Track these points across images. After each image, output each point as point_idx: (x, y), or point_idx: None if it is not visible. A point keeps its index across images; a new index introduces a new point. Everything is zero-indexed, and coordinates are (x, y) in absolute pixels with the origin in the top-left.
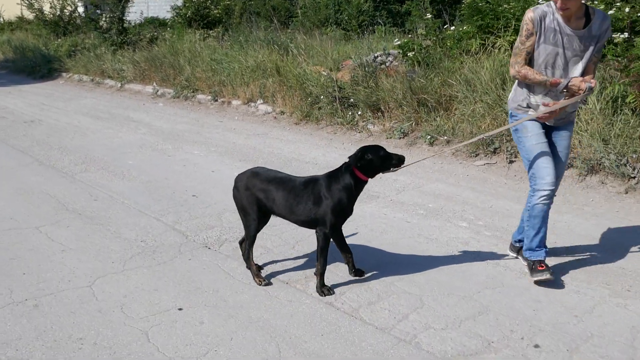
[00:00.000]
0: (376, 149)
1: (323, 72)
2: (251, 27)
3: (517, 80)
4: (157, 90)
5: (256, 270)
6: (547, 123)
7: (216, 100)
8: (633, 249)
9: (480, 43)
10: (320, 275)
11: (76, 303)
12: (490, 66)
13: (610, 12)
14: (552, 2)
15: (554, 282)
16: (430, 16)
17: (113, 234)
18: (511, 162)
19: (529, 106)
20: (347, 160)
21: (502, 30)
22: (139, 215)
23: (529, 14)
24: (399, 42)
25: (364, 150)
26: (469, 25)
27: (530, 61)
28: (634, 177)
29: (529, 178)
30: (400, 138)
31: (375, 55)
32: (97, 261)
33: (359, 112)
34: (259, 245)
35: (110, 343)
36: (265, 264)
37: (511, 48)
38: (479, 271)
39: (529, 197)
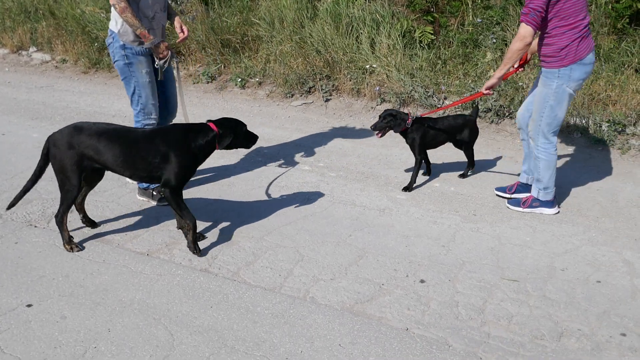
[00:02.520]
0: (241, 125)
1: (102, 15)
2: None
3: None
4: None
5: (68, 237)
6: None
7: None
8: (459, 175)
9: None
10: (192, 230)
11: None
12: (291, 5)
13: None
14: None
15: (397, 215)
16: None
17: None
18: (327, 100)
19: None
20: (209, 122)
21: None
22: None
23: None
24: None
25: (233, 126)
26: None
27: None
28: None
29: (138, 112)
30: (208, 82)
31: None
32: None
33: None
34: (97, 216)
35: None
36: (110, 234)
37: None
38: (341, 214)
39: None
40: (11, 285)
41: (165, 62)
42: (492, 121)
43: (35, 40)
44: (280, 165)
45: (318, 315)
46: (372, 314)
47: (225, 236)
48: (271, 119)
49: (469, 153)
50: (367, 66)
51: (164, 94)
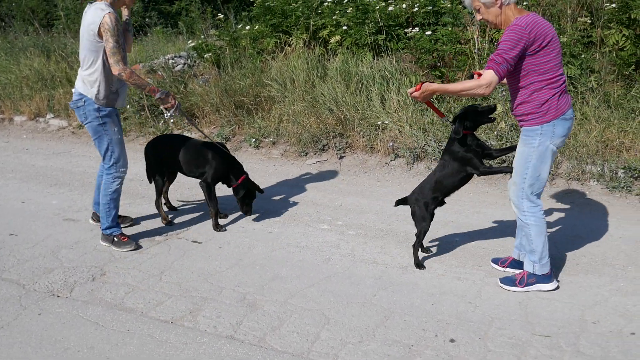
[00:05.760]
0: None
1: None
2: (12, 31)
3: (99, 76)
4: None
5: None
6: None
7: None
8: (486, 227)
9: (275, 42)
10: (215, 215)
11: None
12: (301, 65)
13: (390, 8)
14: (104, 2)
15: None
16: (222, 16)
17: None
18: (341, 157)
19: (114, 97)
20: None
21: (294, 28)
22: None
23: (112, 17)
24: (193, 44)
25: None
26: (262, 24)
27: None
28: None
29: (110, 166)
30: None
31: (167, 57)
32: None
33: (172, 120)
34: (119, 283)
35: None
36: (133, 302)
37: (305, 45)
38: (363, 274)
39: (109, 184)
40: (36, 359)
41: (174, 110)
42: None
43: (52, 107)
44: (298, 225)
45: None
46: None
47: (248, 300)
48: (286, 178)
49: None
50: (379, 122)
51: None
